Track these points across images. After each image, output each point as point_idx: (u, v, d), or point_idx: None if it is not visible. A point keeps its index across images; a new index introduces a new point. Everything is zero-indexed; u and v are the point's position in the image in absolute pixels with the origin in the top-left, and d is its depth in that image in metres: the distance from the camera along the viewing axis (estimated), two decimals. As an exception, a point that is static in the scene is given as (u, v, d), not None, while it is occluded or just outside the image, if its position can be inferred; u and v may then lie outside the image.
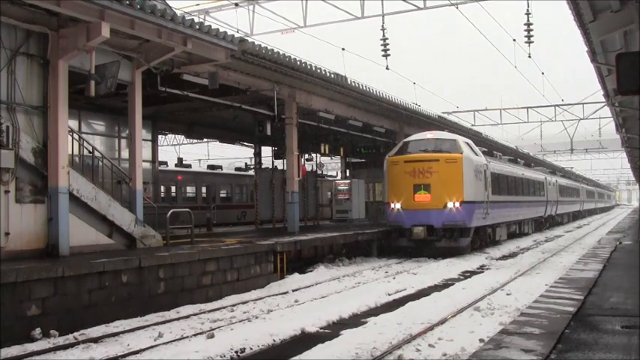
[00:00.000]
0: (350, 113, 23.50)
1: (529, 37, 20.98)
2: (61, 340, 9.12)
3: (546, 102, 37.58)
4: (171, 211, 15.41)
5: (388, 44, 21.43)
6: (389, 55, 21.68)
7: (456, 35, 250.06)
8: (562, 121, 39.09)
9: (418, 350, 8.10)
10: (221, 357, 8.01)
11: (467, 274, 16.55)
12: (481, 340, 8.00)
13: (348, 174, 34.31)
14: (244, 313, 11.21)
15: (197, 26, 13.18)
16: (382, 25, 20.93)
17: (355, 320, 10.35)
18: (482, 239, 23.32)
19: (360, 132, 26.31)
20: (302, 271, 16.43)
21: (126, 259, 11.06)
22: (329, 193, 34.50)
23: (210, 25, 13.96)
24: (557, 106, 37.43)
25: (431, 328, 9.35)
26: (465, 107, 40.68)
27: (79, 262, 10.57)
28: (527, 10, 20.42)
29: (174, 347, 8.59)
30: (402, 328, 9.34)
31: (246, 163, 38.37)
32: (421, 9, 20.34)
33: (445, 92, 43.80)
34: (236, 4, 21.79)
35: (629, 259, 14.99)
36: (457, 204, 20.35)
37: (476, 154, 22.56)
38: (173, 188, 28.52)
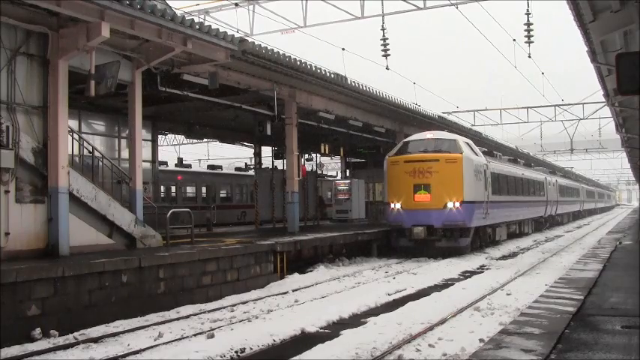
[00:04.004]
0: (350, 113, 23.50)
1: (529, 37, 20.96)
2: (61, 340, 9.12)
3: (546, 102, 37.57)
4: (171, 211, 15.41)
5: (388, 44, 21.42)
6: (389, 55, 21.67)
7: (456, 35, 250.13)
8: (562, 121, 39.08)
9: (418, 350, 8.10)
10: (221, 357, 8.01)
11: (467, 274, 16.55)
12: (481, 340, 8.00)
13: (348, 174, 34.32)
14: (244, 313, 11.21)
15: (197, 26, 13.18)
16: (382, 25, 20.94)
17: (355, 320, 10.35)
18: (483, 239, 23.32)
19: (360, 132, 26.30)
20: (302, 271, 16.43)
21: (126, 259, 11.06)
22: (329, 193, 34.53)
23: (210, 25, 13.96)
24: (557, 106, 37.42)
25: (431, 328, 9.35)
26: (465, 107, 40.68)
27: (79, 262, 10.56)
28: (527, 10, 20.42)
29: (174, 347, 8.58)
30: (402, 328, 9.34)
31: (246, 163, 38.37)
32: (421, 9, 20.32)
33: (445, 92, 43.70)
34: (236, 4, 21.78)
35: (629, 259, 14.99)
36: (457, 204, 20.35)
37: (476, 154, 22.57)
38: (173, 188, 28.53)
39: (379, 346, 8.26)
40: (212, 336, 9.07)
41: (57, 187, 11.68)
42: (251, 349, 8.46)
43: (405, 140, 22.96)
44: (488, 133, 38.44)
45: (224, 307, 11.76)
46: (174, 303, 11.67)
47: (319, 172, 34.80)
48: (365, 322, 9.97)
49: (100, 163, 14.91)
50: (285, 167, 22.04)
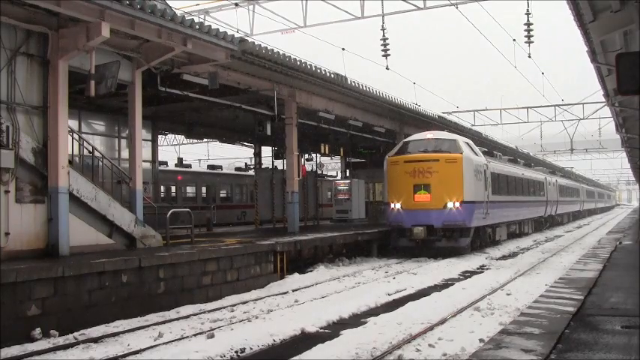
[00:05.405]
0: (350, 113, 23.50)
1: (529, 37, 20.98)
2: (61, 340, 9.12)
3: (546, 102, 37.59)
4: (171, 211, 15.41)
5: (388, 44, 21.43)
6: (389, 55, 21.69)
7: (456, 35, 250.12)
8: (562, 121, 39.09)
9: (418, 350, 8.10)
10: (221, 357, 8.01)
11: (467, 274, 16.55)
12: (481, 340, 8.01)
13: (348, 174, 34.32)
14: (244, 313, 11.21)
15: (197, 26, 13.18)
16: (382, 25, 20.95)
17: (355, 320, 10.35)
18: (483, 239, 23.32)
19: (360, 132, 26.30)
20: (302, 271, 16.43)
21: (126, 259, 11.06)
22: (329, 193, 34.53)
23: (210, 25, 13.96)
24: (557, 106, 37.42)
25: (431, 328, 9.36)
26: (465, 107, 40.70)
27: (79, 262, 10.56)
28: (527, 10, 20.43)
29: (174, 347, 8.58)
30: (402, 328, 9.34)
31: (246, 163, 38.37)
32: (421, 9, 20.34)
33: (445, 92, 43.72)
34: (236, 4, 21.78)
35: (629, 259, 14.99)
36: (457, 204, 20.35)
37: (476, 154, 22.57)
38: (173, 188, 28.53)
39: (379, 346, 8.26)
40: (212, 336, 9.07)
41: (57, 187, 11.68)
42: (251, 349, 8.46)
43: (405, 140, 22.96)
44: (488, 133, 38.45)
45: (224, 307, 11.75)
46: (174, 303, 11.67)
47: (319, 172, 34.79)
48: (365, 322, 9.97)
49: (100, 163, 14.92)
50: (285, 167, 22.04)
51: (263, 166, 29.90)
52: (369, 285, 14.63)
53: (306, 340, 8.91)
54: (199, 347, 8.28)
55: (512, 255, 22.18)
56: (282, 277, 15.29)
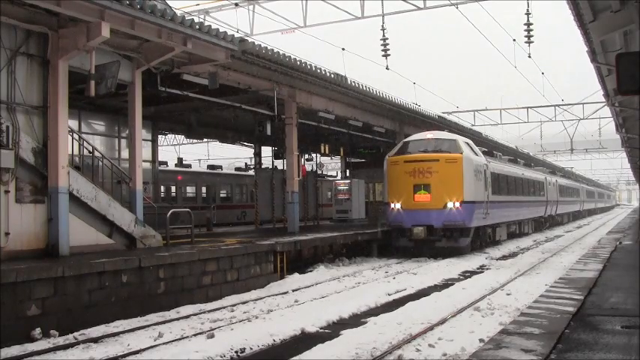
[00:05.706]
0: (350, 113, 23.50)
1: (529, 37, 20.98)
2: (61, 340, 9.12)
3: (546, 102, 37.59)
4: (171, 211, 15.42)
5: (388, 44, 21.44)
6: (389, 55, 21.69)
7: (456, 35, 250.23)
8: (562, 121, 39.09)
9: (418, 350, 8.10)
10: (221, 357, 8.01)
11: (467, 274, 16.55)
12: (481, 340, 8.01)
13: (348, 174, 34.31)
14: (244, 313, 11.21)
15: (197, 26, 13.18)
16: (382, 25, 20.96)
17: (355, 320, 10.35)
18: (482, 239, 23.32)
19: (360, 132, 26.30)
20: (302, 271, 16.43)
21: (126, 259, 11.06)
22: (329, 193, 34.53)
23: (210, 25, 13.96)
24: (557, 106, 37.43)
25: (431, 328, 9.36)
26: (465, 107, 40.71)
27: (79, 262, 10.57)
28: (527, 10, 20.44)
29: (174, 347, 8.59)
30: (402, 328, 9.34)
31: (246, 163, 38.36)
32: (421, 9, 20.34)
33: (445, 92, 43.75)
34: (236, 4, 21.78)
35: (629, 259, 14.99)
36: (457, 204, 20.35)
37: (476, 154, 22.57)
38: (173, 188, 28.53)
39: (379, 346, 8.26)
40: (212, 336, 9.08)
41: (57, 187, 11.68)
42: (251, 349, 8.46)
43: (405, 140, 22.96)
44: (488, 133, 38.45)
45: (224, 307, 11.76)
46: (174, 303, 11.67)
47: (319, 172, 34.80)
48: (365, 322, 9.97)
49: (100, 163, 14.92)
50: (285, 167, 22.03)
51: (263, 166, 29.89)
52: (369, 285, 14.64)
53: (306, 340, 8.91)
54: (199, 347, 8.28)
55: (512, 255, 22.18)
56: (282, 277, 15.29)
